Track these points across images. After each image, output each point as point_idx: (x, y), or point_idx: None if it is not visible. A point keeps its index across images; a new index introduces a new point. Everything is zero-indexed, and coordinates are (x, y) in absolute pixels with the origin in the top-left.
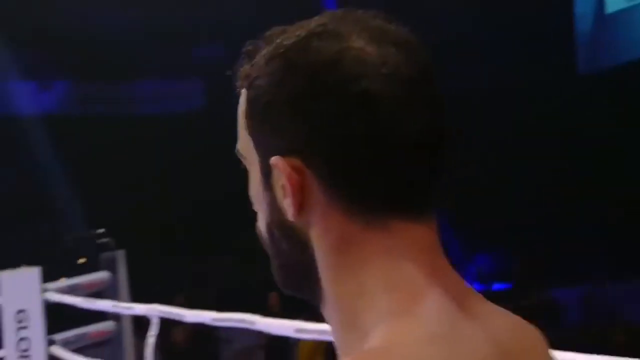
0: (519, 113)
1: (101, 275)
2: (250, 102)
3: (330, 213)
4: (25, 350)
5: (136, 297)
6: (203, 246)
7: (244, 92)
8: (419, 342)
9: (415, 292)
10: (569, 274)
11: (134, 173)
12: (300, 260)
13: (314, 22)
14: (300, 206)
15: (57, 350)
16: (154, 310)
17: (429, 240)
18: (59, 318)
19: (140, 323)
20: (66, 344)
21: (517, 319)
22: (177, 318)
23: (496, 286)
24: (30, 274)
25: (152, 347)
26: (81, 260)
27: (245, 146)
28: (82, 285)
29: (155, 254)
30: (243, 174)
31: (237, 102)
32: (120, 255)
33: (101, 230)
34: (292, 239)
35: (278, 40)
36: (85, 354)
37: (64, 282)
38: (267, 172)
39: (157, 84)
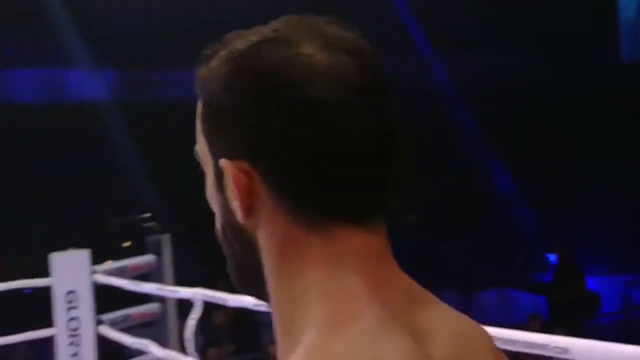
0: (559, 104)
1: (147, 259)
2: (204, 105)
3: (276, 216)
4: (75, 330)
5: (180, 281)
6: None
7: (199, 95)
8: None
9: (349, 305)
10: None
11: (183, 158)
12: (250, 262)
13: (269, 27)
14: (249, 209)
15: (105, 329)
16: (198, 294)
17: (373, 247)
18: (107, 299)
19: (184, 306)
20: (113, 324)
21: (463, 325)
22: (220, 302)
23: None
24: (80, 256)
25: (192, 329)
26: (126, 244)
27: (202, 149)
28: (129, 268)
29: (201, 238)
30: None
31: None
32: (166, 239)
33: (147, 215)
34: (243, 241)
35: (232, 45)
36: (131, 334)
37: (111, 264)
38: (219, 175)
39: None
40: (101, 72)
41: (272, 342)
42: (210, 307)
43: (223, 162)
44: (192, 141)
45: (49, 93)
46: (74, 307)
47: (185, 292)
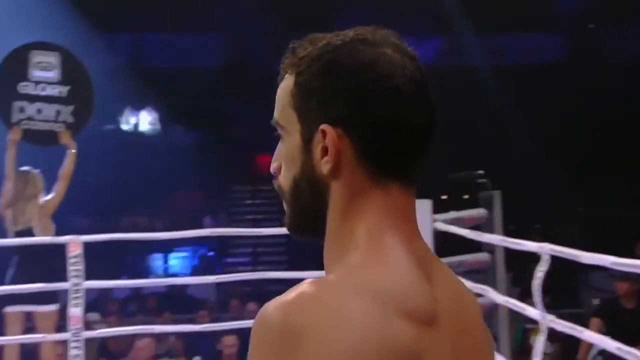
0: None
1: (479, 212)
2: (299, 84)
3: (354, 173)
4: None
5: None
6: None
7: (289, 76)
8: (353, 290)
9: (388, 244)
10: None
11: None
12: (316, 209)
13: (352, 32)
14: (336, 164)
15: None
16: (545, 248)
17: (411, 206)
18: (442, 245)
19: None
20: (449, 267)
21: (462, 286)
22: (571, 258)
23: None
24: (424, 205)
25: (540, 281)
26: (465, 197)
27: (286, 118)
28: (464, 219)
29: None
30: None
31: (595, 56)
32: (497, 195)
33: (480, 172)
34: (315, 191)
35: (325, 42)
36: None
37: (450, 214)
38: (308, 137)
39: (521, 37)
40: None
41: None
42: (529, 260)
43: (325, 127)
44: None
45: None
46: None
47: (530, 245)
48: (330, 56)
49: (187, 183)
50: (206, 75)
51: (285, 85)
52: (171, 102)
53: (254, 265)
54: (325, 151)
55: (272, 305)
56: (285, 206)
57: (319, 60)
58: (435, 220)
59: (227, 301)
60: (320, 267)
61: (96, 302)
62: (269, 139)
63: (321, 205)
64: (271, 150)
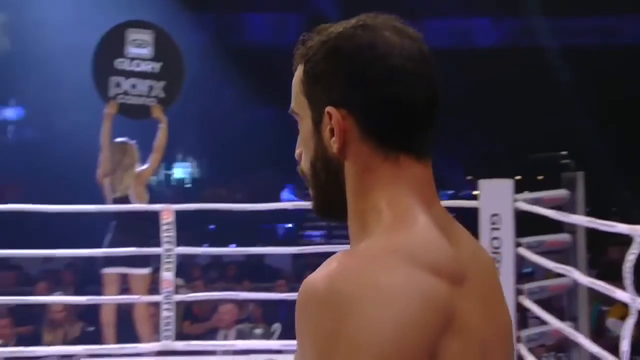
0: None
1: (561, 193)
2: (307, 72)
3: (361, 150)
4: (497, 248)
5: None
6: None
7: (299, 66)
8: (386, 254)
9: (408, 213)
10: None
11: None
12: (334, 188)
13: (354, 20)
14: (343, 143)
15: (522, 251)
16: (638, 231)
17: (426, 176)
18: (523, 224)
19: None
20: (529, 247)
21: (481, 249)
22: None
23: None
24: (505, 184)
25: (632, 264)
26: (539, 177)
27: (299, 105)
28: (545, 200)
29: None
30: None
31: None
32: (580, 176)
33: (563, 152)
34: (330, 170)
35: (329, 30)
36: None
37: (530, 194)
38: (318, 120)
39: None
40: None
41: None
42: (607, 242)
43: (330, 109)
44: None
45: (457, 40)
46: (497, 229)
47: (622, 227)
48: (332, 43)
49: (267, 158)
50: (287, 54)
51: (297, 75)
52: (254, 79)
53: (329, 239)
54: (332, 132)
55: (317, 276)
56: (310, 190)
57: (322, 48)
58: (516, 200)
59: (303, 272)
60: None
61: (180, 268)
62: None
63: (337, 185)
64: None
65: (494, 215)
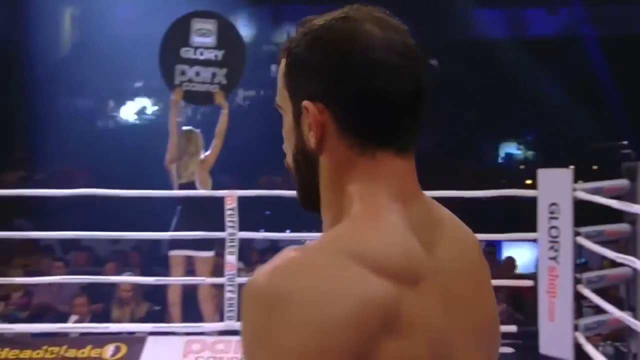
0: None
1: (621, 183)
2: (288, 65)
3: (338, 144)
4: (555, 237)
5: None
6: None
7: (283, 60)
8: (334, 253)
9: (378, 208)
10: None
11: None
12: (313, 181)
13: (338, 12)
14: (320, 138)
15: (581, 240)
16: None
17: (406, 169)
18: (582, 214)
19: None
20: (588, 237)
21: (464, 233)
22: None
23: None
24: (565, 174)
25: None
26: (594, 167)
27: (282, 99)
28: (605, 189)
29: None
30: None
31: None
32: None
33: (624, 142)
34: (309, 164)
35: (311, 23)
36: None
37: (590, 184)
38: (298, 114)
39: None
40: (557, 9)
41: None
42: None
43: (306, 103)
44: None
45: (511, 29)
46: (555, 218)
47: None
48: (312, 35)
49: None
50: None
51: (281, 68)
52: None
53: None
54: (310, 126)
55: (261, 271)
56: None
57: (302, 40)
58: (575, 190)
59: None
60: None
61: (239, 252)
62: None
63: (316, 179)
64: None
65: (553, 204)
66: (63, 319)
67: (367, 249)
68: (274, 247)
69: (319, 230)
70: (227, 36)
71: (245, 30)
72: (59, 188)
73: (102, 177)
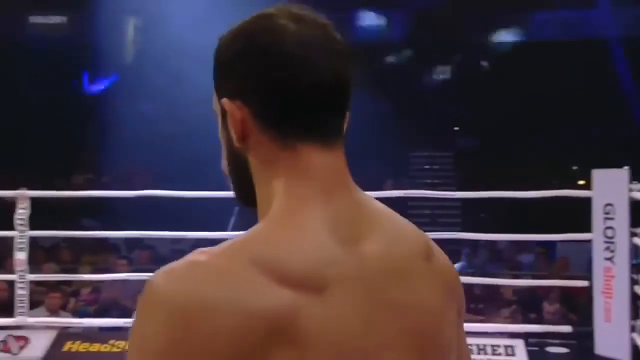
0: None
1: None
2: (214, 66)
3: (259, 140)
4: (611, 238)
5: None
6: None
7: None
8: (232, 258)
9: (297, 204)
10: None
11: None
12: (244, 179)
13: (266, 10)
14: (242, 135)
15: (638, 240)
16: None
17: (331, 163)
18: (637, 214)
19: None
20: None
21: (402, 232)
22: None
23: None
24: (620, 174)
25: None
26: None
27: (214, 102)
28: None
29: None
30: None
31: None
32: None
33: None
34: (238, 162)
35: (238, 23)
36: None
37: None
38: (224, 115)
39: None
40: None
41: None
42: None
43: (224, 101)
44: None
45: (568, 31)
46: (611, 218)
47: None
48: (229, 35)
49: (371, 149)
50: (392, 49)
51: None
52: (359, 74)
53: (432, 226)
54: (232, 125)
55: (159, 271)
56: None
57: (221, 41)
58: (631, 190)
59: None
60: (488, 228)
61: None
62: (448, 111)
63: (247, 177)
64: (446, 121)
65: (608, 205)
66: (128, 314)
67: (270, 255)
68: None
69: None
70: None
71: None
72: (124, 190)
73: (163, 178)
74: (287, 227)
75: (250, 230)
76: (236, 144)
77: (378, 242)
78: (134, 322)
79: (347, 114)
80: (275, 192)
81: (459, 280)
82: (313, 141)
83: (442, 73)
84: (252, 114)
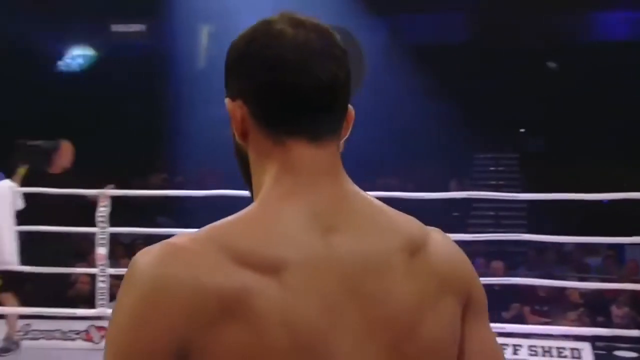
0: None
1: None
2: (224, 68)
3: (256, 136)
4: None
5: None
6: None
7: None
8: (199, 241)
9: (281, 193)
10: None
11: None
12: (246, 168)
13: (269, 17)
14: (242, 132)
15: None
16: None
17: (318, 158)
18: None
19: None
20: None
21: (390, 230)
22: None
23: None
24: None
25: None
26: None
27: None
28: None
29: None
30: None
31: None
32: None
33: None
34: (241, 155)
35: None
36: None
37: None
38: (229, 113)
39: None
40: None
41: None
42: None
43: (227, 101)
44: None
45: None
46: None
47: None
48: (236, 40)
49: (437, 150)
50: (454, 51)
51: None
52: (423, 76)
53: (495, 228)
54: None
55: (140, 252)
56: None
57: (230, 46)
58: None
59: (471, 259)
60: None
61: None
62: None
63: (247, 168)
64: (512, 123)
65: None
66: None
67: (237, 239)
68: None
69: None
70: (348, 47)
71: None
72: (196, 189)
73: (232, 179)
74: (264, 214)
75: (231, 216)
76: (238, 140)
77: (352, 235)
78: (117, 294)
79: (350, 113)
80: (265, 183)
81: (466, 274)
82: (302, 138)
83: (506, 74)
84: (250, 113)
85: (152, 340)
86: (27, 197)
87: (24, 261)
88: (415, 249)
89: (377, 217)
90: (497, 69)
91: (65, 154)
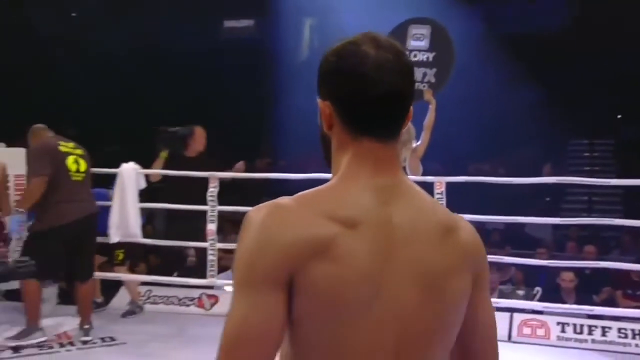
0: None
1: None
2: (318, 73)
3: (339, 131)
4: None
5: None
6: None
7: None
8: (299, 202)
9: (351, 175)
10: None
11: None
12: (328, 152)
13: (354, 36)
14: (328, 125)
15: None
16: None
17: (382, 153)
18: None
19: None
20: None
21: (426, 212)
22: None
23: None
24: None
25: None
26: None
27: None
28: None
29: None
30: None
31: None
32: None
33: None
34: (325, 141)
35: (335, 45)
36: None
37: None
38: (320, 109)
39: None
40: None
41: None
42: None
43: (318, 100)
44: None
45: None
46: None
47: None
48: (329, 52)
49: (530, 136)
50: (548, 38)
51: None
52: (516, 64)
53: (589, 213)
54: (322, 117)
55: (255, 207)
56: None
57: (324, 56)
58: None
59: (564, 242)
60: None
61: None
62: (594, 101)
63: (329, 151)
64: (609, 110)
65: None
66: None
67: (326, 203)
68: (481, 230)
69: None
70: (439, 39)
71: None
72: (296, 172)
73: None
74: (342, 187)
75: (320, 186)
76: (325, 130)
77: (402, 209)
78: (238, 237)
79: (409, 115)
80: (342, 165)
81: (481, 256)
82: (371, 136)
83: (605, 62)
84: (335, 112)
85: (264, 267)
86: (165, 177)
87: (153, 235)
88: (448, 228)
89: (420, 200)
90: (595, 57)
91: (199, 139)
